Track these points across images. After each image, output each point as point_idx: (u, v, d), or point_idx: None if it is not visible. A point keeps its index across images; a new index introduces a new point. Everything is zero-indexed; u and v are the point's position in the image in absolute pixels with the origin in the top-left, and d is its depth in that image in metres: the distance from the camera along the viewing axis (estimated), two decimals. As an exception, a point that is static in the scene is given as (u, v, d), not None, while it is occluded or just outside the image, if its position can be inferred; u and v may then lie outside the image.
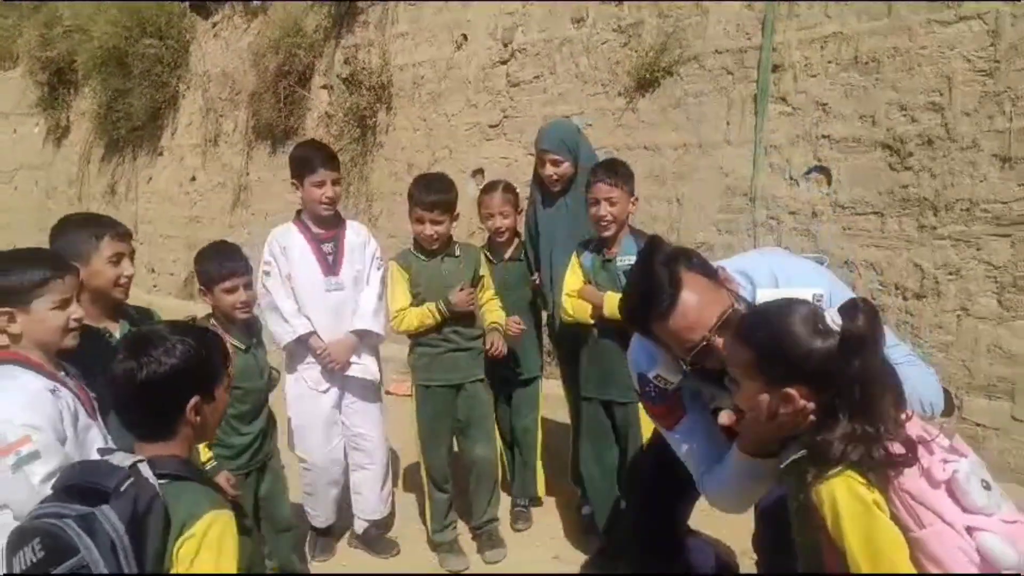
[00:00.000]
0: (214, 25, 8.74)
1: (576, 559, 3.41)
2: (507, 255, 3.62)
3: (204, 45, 8.86)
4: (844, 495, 1.50)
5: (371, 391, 3.50)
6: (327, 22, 7.15)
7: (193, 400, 1.63)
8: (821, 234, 4.07)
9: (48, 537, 1.41)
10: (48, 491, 1.81)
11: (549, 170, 3.35)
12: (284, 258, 3.31)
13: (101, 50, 9.14)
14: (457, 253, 3.42)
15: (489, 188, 3.63)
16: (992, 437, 3.60)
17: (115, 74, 9.20)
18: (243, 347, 2.92)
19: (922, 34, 3.74)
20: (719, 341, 1.82)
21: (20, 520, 1.90)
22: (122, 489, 1.46)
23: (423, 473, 3.49)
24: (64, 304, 2.10)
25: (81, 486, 1.48)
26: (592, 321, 3.08)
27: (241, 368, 2.88)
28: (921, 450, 1.53)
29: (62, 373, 2.14)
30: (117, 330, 2.49)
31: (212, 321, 2.91)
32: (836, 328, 1.55)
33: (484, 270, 3.51)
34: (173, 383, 1.61)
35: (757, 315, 1.72)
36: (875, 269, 3.91)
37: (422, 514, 3.70)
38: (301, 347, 3.33)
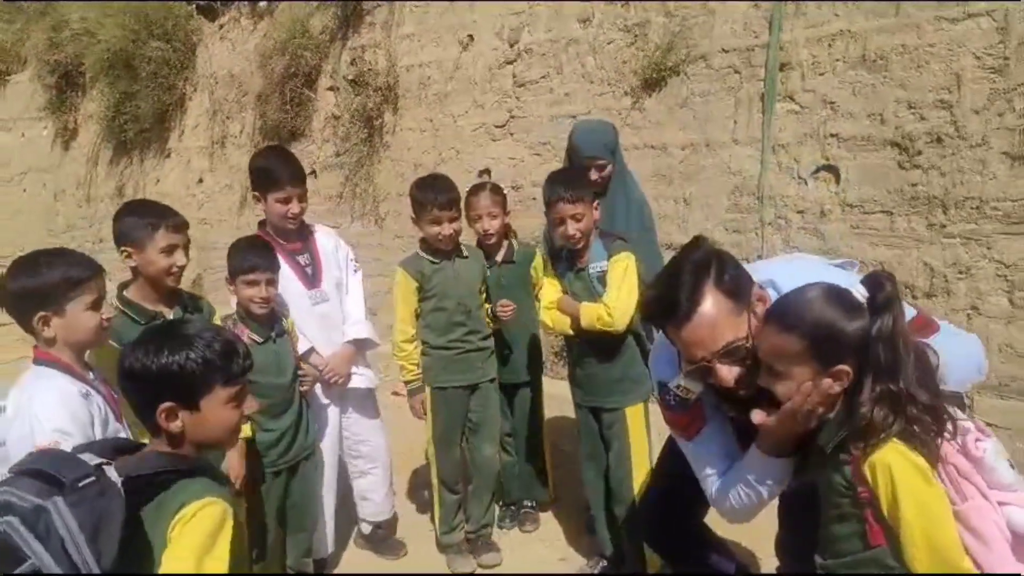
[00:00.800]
0: (220, 27, 8.76)
1: (582, 561, 3.40)
2: (499, 258, 3.54)
3: (211, 47, 8.88)
4: (899, 462, 1.53)
5: (369, 396, 3.48)
6: (333, 23, 7.15)
7: (164, 405, 1.59)
8: (829, 233, 4.05)
9: None
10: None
11: (595, 175, 3.31)
12: None
13: (108, 53, 9.17)
14: (466, 253, 3.41)
15: (476, 189, 3.52)
16: (1004, 437, 3.57)
17: (122, 77, 9.23)
18: (260, 340, 2.91)
19: (930, 31, 3.72)
20: (720, 367, 1.83)
21: None
22: (80, 485, 1.40)
23: (434, 475, 3.48)
24: (96, 305, 2.12)
25: (43, 472, 1.42)
26: (572, 332, 3.05)
27: (259, 362, 2.87)
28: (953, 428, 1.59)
29: (90, 375, 2.16)
30: (171, 315, 2.60)
31: (234, 316, 2.92)
32: (863, 300, 1.63)
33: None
34: (142, 385, 1.61)
35: (790, 303, 1.73)
36: (884, 268, 3.89)
37: (428, 514, 3.69)
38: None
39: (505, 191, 3.70)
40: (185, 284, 3.03)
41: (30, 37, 11.78)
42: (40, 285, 2.04)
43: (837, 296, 1.65)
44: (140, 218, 2.55)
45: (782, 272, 2.00)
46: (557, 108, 5.36)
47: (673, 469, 2.40)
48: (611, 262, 2.95)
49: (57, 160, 11.86)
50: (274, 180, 3.11)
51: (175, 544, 1.48)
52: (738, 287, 1.87)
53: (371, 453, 3.48)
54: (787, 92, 4.23)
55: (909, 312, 1.78)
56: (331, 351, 3.26)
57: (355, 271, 3.44)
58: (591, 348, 3.06)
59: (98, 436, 2.04)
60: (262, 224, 3.28)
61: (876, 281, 1.63)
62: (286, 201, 3.12)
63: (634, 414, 3.03)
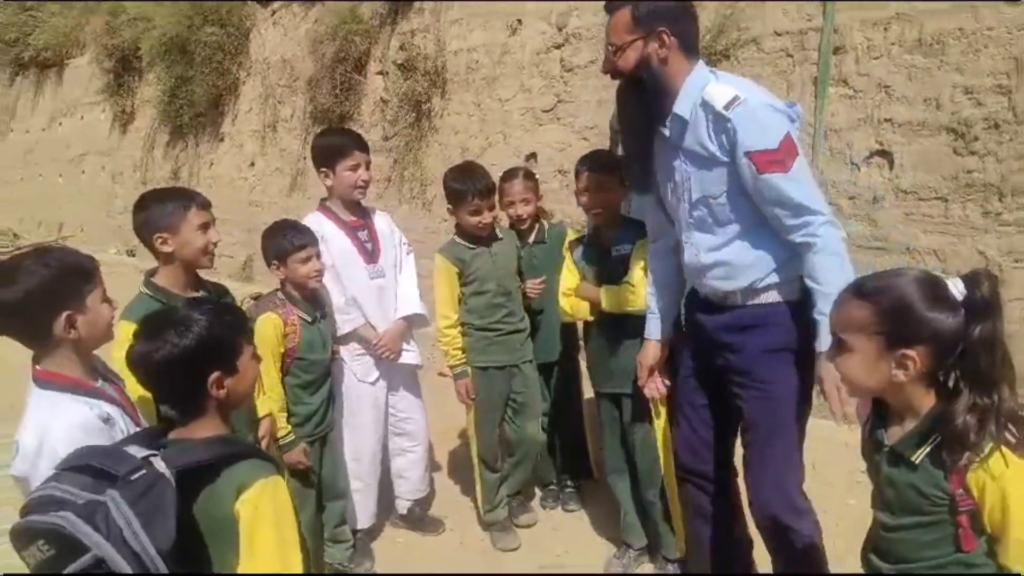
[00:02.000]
0: (273, 13, 8.89)
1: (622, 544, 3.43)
2: (531, 239, 3.61)
3: (263, 33, 9.03)
4: (1003, 469, 1.49)
5: (413, 374, 3.57)
6: (383, 9, 7.22)
7: (213, 376, 1.63)
8: (882, 220, 3.99)
9: (53, 536, 1.37)
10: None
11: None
12: (324, 246, 3.19)
13: (164, 38, 9.39)
14: (501, 235, 3.49)
15: (509, 175, 3.58)
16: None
17: (178, 62, 9.45)
18: (309, 319, 3.03)
19: (988, 15, 3.62)
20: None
21: None
22: (132, 478, 1.44)
23: (474, 454, 3.54)
24: (107, 297, 1.99)
25: (93, 468, 1.46)
26: (591, 318, 3.08)
27: (307, 340, 3.01)
28: None
29: (99, 382, 2.00)
30: None
31: (280, 295, 3.01)
32: (960, 297, 1.53)
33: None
34: (189, 363, 1.60)
35: (877, 277, 1.68)
36: (938, 256, 3.82)
37: (468, 493, 3.76)
38: (350, 337, 3.32)
39: (538, 176, 3.75)
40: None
41: (88, 22, 12.08)
42: (55, 280, 1.82)
43: (930, 283, 1.56)
44: (169, 201, 2.52)
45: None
46: (605, 93, 5.34)
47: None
48: (637, 245, 2.97)
49: (115, 143, 12.18)
50: (342, 149, 3.25)
51: (255, 532, 1.53)
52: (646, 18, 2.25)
53: (414, 431, 3.56)
54: (841, 76, 4.17)
55: None
56: (385, 324, 3.36)
57: (408, 252, 3.54)
58: (610, 334, 3.07)
59: None
60: (323, 202, 3.38)
61: (976, 279, 1.53)
62: (355, 168, 3.25)
63: (657, 400, 3.02)
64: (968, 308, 1.52)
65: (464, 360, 3.43)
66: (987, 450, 1.50)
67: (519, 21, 6.04)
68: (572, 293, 3.13)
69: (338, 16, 7.42)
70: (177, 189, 2.71)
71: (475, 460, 3.56)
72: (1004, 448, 1.50)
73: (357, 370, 3.35)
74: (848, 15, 4.12)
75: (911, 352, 1.54)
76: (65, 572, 1.36)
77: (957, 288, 1.53)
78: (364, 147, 3.32)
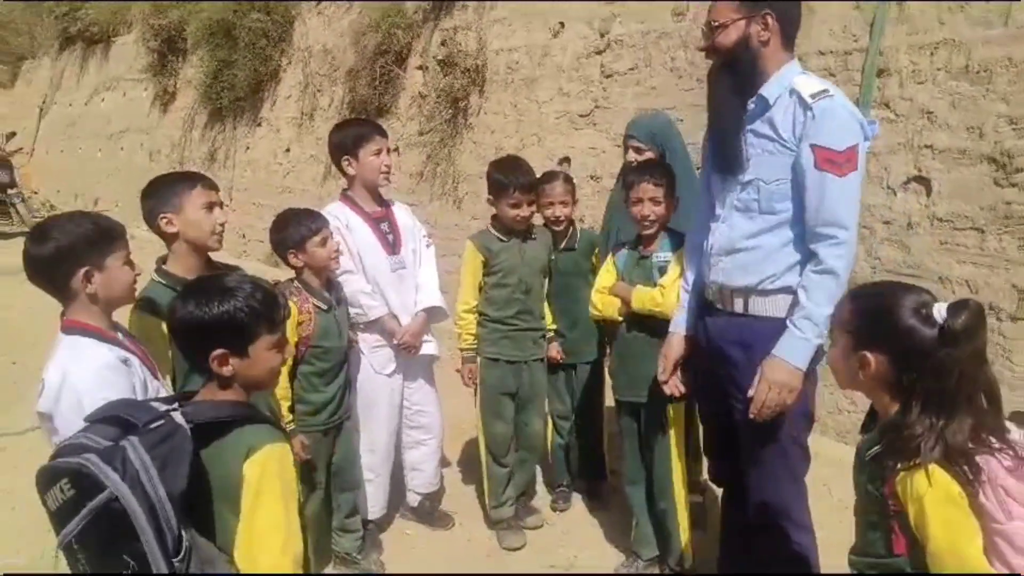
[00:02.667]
0: (318, 3, 8.96)
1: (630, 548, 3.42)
2: (562, 244, 3.63)
3: (308, 21, 9.10)
4: (930, 493, 1.52)
5: (430, 367, 3.59)
6: (427, 4, 7.25)
7: (217, 352, 1.67)
8: (916, 247, 3.93)
9: (76, 476, 1.45)
10: None
11: (631, 156, 3.35)
12: (349, 234, 3.27)
13: (210, 21, 9.52)
14: (535, 235, 3.52)
15: (549, 177, 3.63)
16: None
17: (222, 45, 9.56)
18: (325, 307, 3.05)
19: (1041, 45, 3.56)
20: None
21: None
22: (152, 426, 1.52)
23: (482, 446, 3.56)
24: (130, 261, 2.13)
25: (117, 417, 1.55)
26: (620, 318, 3.07)
27: (323, 327, 3.02)
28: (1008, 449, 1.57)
29: (120, 336, 2.14)
30: None
31: (296, 283, 3.03)
32: (940, 320, 1.59)
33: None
34: (198, 334, 1.68)
35: (874, 285, 1.85)
36: (970, 287, 3.76)
37: (476, 488, 3.77)
38: (369, 328, 3.33)
39: (576, 180, 3.77)
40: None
41: (137, 1, 12.25)
42: (79, 240, 1.99)
43: (914, 299, 1.63)
44: (173, 184, 2.51)
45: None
46: (643, 101, 5.33)
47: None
48: (677, 254, 2.96)
49: (155, 122, 12.34)
50: (364, 135, 3.29)
51: (259, 495, 1.58)
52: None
53: (429, 424, 3.58)
54: (883, 99, 4.12)
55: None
56: (405, 315, 3.38)
57: (428, 246, 3.55)
58: (634, 342, 3.07)
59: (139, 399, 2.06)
60: (344, 192, 3.41)
61: (959, 308, 1.58)
62: (379, 152, 3.29)
63: (675, 410, 3.02)
64: (943, 331, 1.57)
65: (475, 346, 3.48)
66: (920, 467, 1.53)
67: (561, 24, 6.03)
68: (606, 291, 3.13)
69: (382, 9, 7.46)
70: (183, 172, 2.69)
71: (483, 453, 3.57)
72: (933, 467, 1.53)
73: (375, 362, 3.35)
74: (895, 38, 4.07)
75: (868, 355, 1.65)
76: (92, 507, 1.43)
77: (939, 312, 1.59)
78: (384, 133, 3.38)
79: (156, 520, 1.45)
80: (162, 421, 1.54)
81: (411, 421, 3.55)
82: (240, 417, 1.67)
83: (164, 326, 2.38)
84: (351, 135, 3.32)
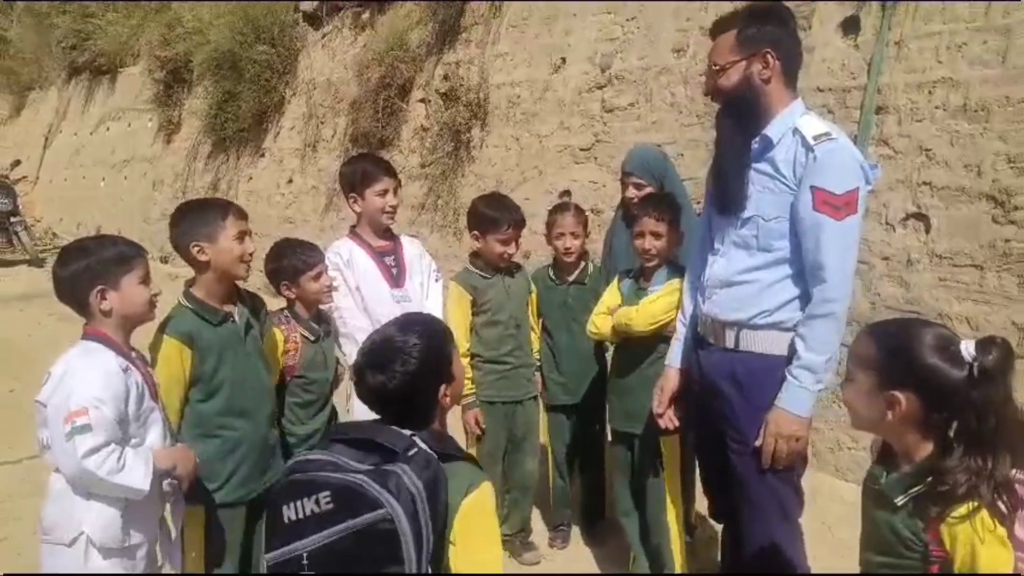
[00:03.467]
0: (324, 36, 9.07)
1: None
2: (571, 278, 3.60)
3: (312, 54, 9.20)
4: (982, 537, 1.50)
5: None
6: (430, 38, 7.33)
7: (442, 389, 1.76)
8: (915, 283, 3.94)
9: (343, 491, 1.48)
10: (90, 465, 2.01)
11: (631, 192, 3.37)
12: (349, 270, 3.25)
13: (216, 53, 9.61)
14: (515, 270, 3.54)
15: (561, 208, 3.63)
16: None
17: (227, 77, 9.65)
18: (312, 338, 3.04)
19: (1038, 84, 3.60)
20: None
21: (72, 483, 2.08)
22: (410, 453, 1.56)
23: None
24: (146, 280, 2.29)
25: (368, 442, 1.60)
26: (612, 338, 3.09)
27: (308, 358, 3.02)
28: None
29: (133, 354, 2.30)
30: (236, 313, 2.66)
31: (285, 312, 3.03)
32: (968, 359, 1.55)
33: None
34: (420, 385, 1.72)
35: (894, 320, 1.78)
36: (970, 324, 3.76)
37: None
38: None
39: (586, 214, 3.76)
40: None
41: (144, 32, 12.39)
42: (95, 261, 2.20)
43: (940, 336, 1.60)
44: (207, 211, 2.58)
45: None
46: (644, 135, 5.37)
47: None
48: (667, 284, 2.98)
49: (158, 152, 12.41)
50: (372, 175, 3.27)
51: (483, 526, 1.64)
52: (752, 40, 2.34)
53: None
54: (882, 136, 4.15)
55: None
56: None
57: (436, 280, 3.52)
58: (628, 374, 3.08)
59: (132, 410, 2.18)
60: (352, 229, 3.40)
61: (988, 345, 1.56)
62: (384, 193, 3.26)
63: (669, 443, 2.99)
64: (973, 370, 1.54)
65: (474, 390, 3.42)
66: (971, 508, 1.51)
67: (563, 59, 6.10)
68: (607, 312, 3.13)
69: (386, 42, 7.55)
70: (214, 199, 2.76)
71: None
72: (984, 514, 1.50)
73: None
74: (893, 76, 4.11)
75: (899, 394, 1.60)
76: (355, 524, 1.47)
77: (968, 349, 1.56)
78: (392, 173, 3.35)
79: (420, 547, 1.48)
80: (416, 449, 1.59)
81: None
82: (456, 454, 1.72)
83: (186, 352, 2.50)
84: (359, 172, 3.31)
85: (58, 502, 2.16)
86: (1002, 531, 1.50)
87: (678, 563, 3.04)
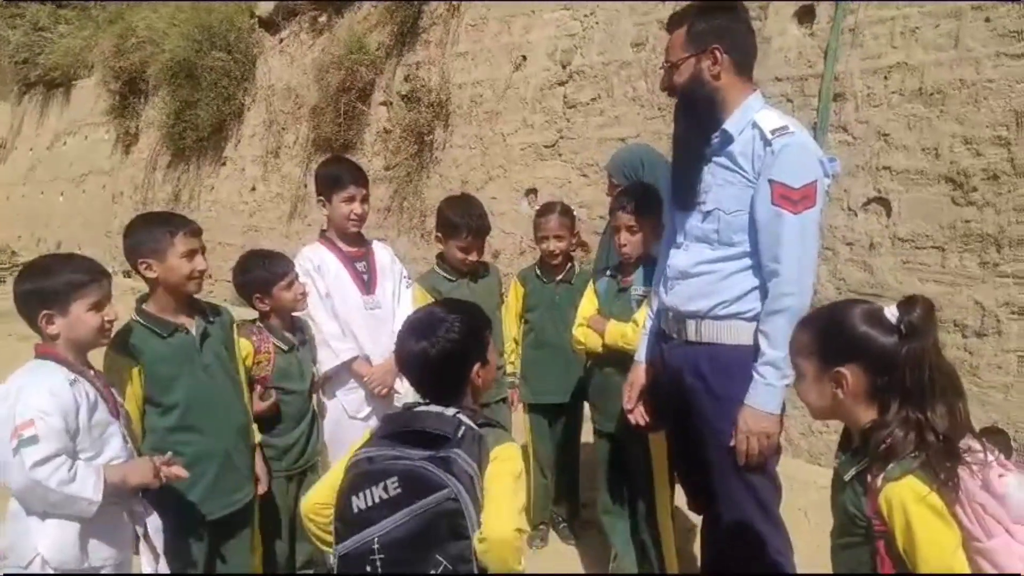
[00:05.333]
0: (281, 41, 8.97)
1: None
2: (559, 277, 3.61)
3: (270, 60, 9.10)
4: (914, 503, 1.51)
5: None
6: (389, 40, 7.28)
7: (475, 366, 1.87)
8: (878, 267, 3.98)
9: (408, 477, 1.61)
10: (38, 476, 1.98)
11: (612, 193, 3.35)
12: (319, 276, 3.21)
13: (172, 62, 9.47)
14: (484, 273, 3.51)
15: (546, 210, 3.62)
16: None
17: (184, 86, 9.51)
18: (286, 348, 2.99)
19: (989, 67, 3.65)
20: None
21: (22, 500, 2.05)
22: (459, 435, 1.69)
23: None
24: (98, 306, 2.24)
25: (417, 432, 1.70)
26: (601, 351, 3.05)
27: (283, 368, 2.97)
28: (978, 462, 1.57)
29: (92, 372, 2.26)
30: (193, 326, 2.60)
31: (258, 324, 2.99)
32: (894, 321, 1.61)
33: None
34: (461, 357, 1.85)
35: (822, 306, 1.84)
36: (934, 305, 3.81)
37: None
38: (342, 371, 3.24)
39: (574, 214, 3.75)
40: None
41: (98, 44, 12.19)
42: (44, 286, 2.18)
43: (864, 306, 1.68)
44: (156, 228, 2.54)
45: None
46: (607, 131, 5.38)
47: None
48: (652, 289, 2.95)
49: (117, 164, 12.22)
50: (339, 181, 3.22)
51: (499, 477, 1.72)
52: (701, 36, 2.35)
53: None
54: (840, 123, 4.19)
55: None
56: (379, 356, 3.28)
57: (407, 287, 3.47)
58: (611, 373, 3.05)
59: (83, 422, 2.14)
60: (323, 233, 3.36)
61: (910, 305, 1.62)
62: (350, 200, 3.21)
63: (656, 442, 2.98)
64: (902, 330, 1.60)
65: None
66: (902, 478, 1.52)
67: (524, 57, 6.09)
68: (587, 323, 3.11)
69: (345, 46, 7.48)
70: (167, 214, 2.70)
71: None
72: (915, 475, 1.52)
73: (348, 405, 3.26)
74: (849, 63, 4.15)
75: (843, 369, 1.64)
76: (424, 504, 1.61)
77: (891, 312, 1.62)
78: (361, 180, 3.28)
79: (477, 517, 1.62)
80: (463, 429, 1.71)
81: None
82: (490, 423, 1.87)
83: (134, 368, 2.45)
84: (328, 177, 3.28)
85: (13, 524, 2.11)
86: (935, 500, 1.50)
87: (669, 561, 3.04)
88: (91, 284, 2.23)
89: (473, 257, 3.37)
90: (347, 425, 3.21)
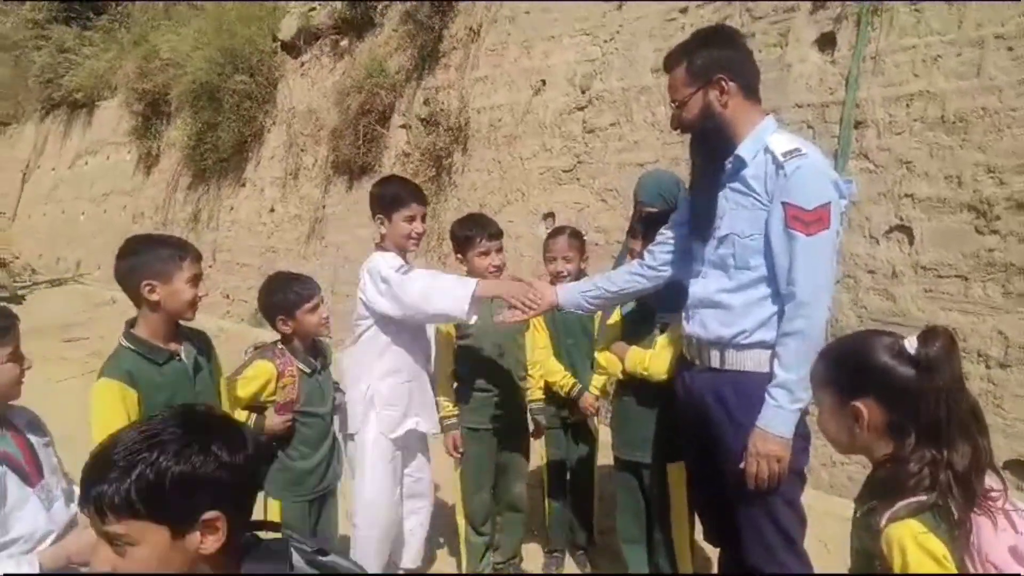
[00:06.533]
0: (302, 64, 9.07)
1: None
2: None
3: (291, 83, 9.19)
4: (912, 548, 1.45)
5: (424, 437, 3.41)
6: (410, 64, 7.35)
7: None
8: (900, 295, 3.94)
9: None
10: None
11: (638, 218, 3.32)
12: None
13: (195, 84, 9.59)
14: None
15: (556, 232, 3.64)
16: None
17: (206, 107, 9.62)
18: (308, 371, 2.98)
19: (1012, 96, 3.63)
20: None
21: None
22: None
23: (461, 516, 3.45)
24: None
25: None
26: (621, 376, 3.02)
27: (307, 392, 2.96)
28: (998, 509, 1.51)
29: (1, 431, 2.13)
30: (183, 352, 2.52)
31: (279, 346, 2.98)
32: (913, 353, 1.56)
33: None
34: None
35: (842, 337, 1.78)
36: (958, 335, 3.76)
37: (454, 557, 3.67)
38: (382, 389, 3.12)
39: (583, 237, 3.74)
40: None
41: (122, 66, 12.36)
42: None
43: (883, 338, 1.62)
44: (163, 249, 2.45)
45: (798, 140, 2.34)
46: (625, 156, 5.38)
47: None
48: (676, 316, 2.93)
49: (138, 184, 12.34)
50: (401, 199, 3.15)
51: None
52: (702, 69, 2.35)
53: (424, 491, 3.42)
54: (861, 150, 4.17)
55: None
56: (423, 372, 3.26)
57: None
58: (632, 400, 3.03)
59: None
60: (377, 245, 3.23)
61: (930, 336, 1.56)
62: (411, 220, 3.15)
63: (675, 471, 2.94)
64: (921, 363, 1.54)
65: (456, 413, 3.37)
66: (905, 520, 1.47)
67: (543, 82, 6.11)
68: (607, 347, 3.10)
69: (365, 70, 7.55)
70: (171, 237, 2.61)
71: (461, 523, 3.45)
72: (917, 519, 1.46)
73: (383, 423, 3.15)
74: (870, 90, 4.14)
75: (859, 404, 1.59)
76: None
77: (911, 345, 1.56)
78: (421, 199, 3.23)
79: None
80: None
81: (408, 490, 3.36)
82: None
83: (134, 396, 2.33)
84: (389, 195, 3.19)
85: None
86: (934, 543, 1.43)
87: None
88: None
89: (496, 262, 3.31)
90: (378, 442, 3.15)
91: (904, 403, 1.56)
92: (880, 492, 1.56)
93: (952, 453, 1.51)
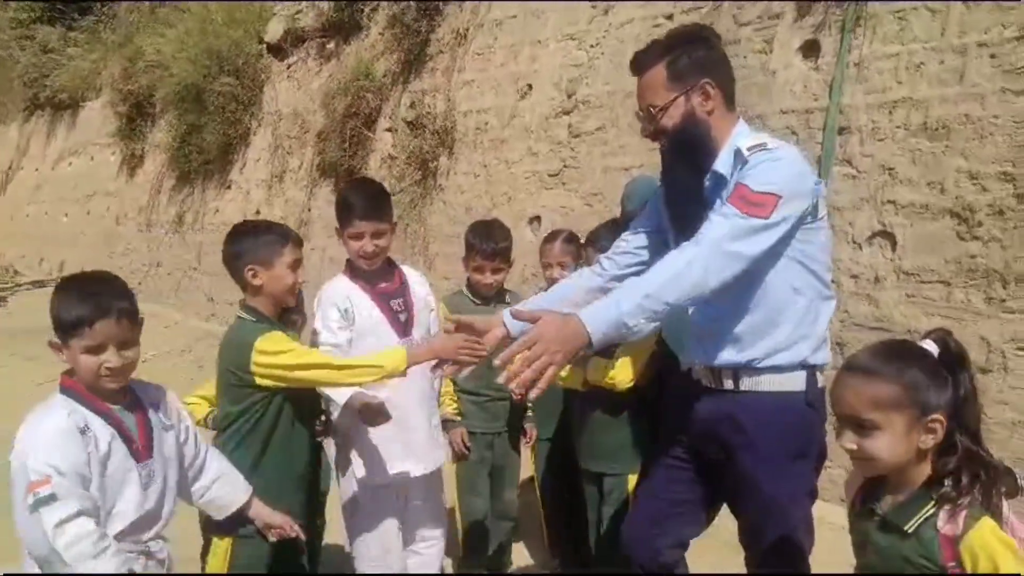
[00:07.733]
0: (288, 67, 9.04)
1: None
2: None
3: (277, 85, 9.17)
4: (999, 548, 1.49)
5: (436, 476, 3.03)
6: (396, 67, 7.34)
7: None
8: (883, 300, 3.96)
9: None
10: (61, 535, 1.84)
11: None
12: (347, 323, 2.74)
13: (180, 86, 9.54)
14: (508, 300, 3.42)
15: (551, 237, 3.56)
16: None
17: (191, 109, 9.58)
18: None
19: (995, 103, 3.66)
20: None
21: (35, 560, 1.91)
22: None
23: (458, 524, 3.43)
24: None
25: None
26: (582, 388, 2.96)
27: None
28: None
29: (117, 407, 2.06)
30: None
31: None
32: (935, 355, 1.61)
33: None
34: None
35: (876, 353, 1.66)
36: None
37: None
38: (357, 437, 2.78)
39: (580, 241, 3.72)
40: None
41: (107, 66, 12.29)
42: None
43: (919, 349, 1.64)
44: (266, 234, 2.56)
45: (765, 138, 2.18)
46: (611, 160, 5.39)
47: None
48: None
49: (122, 185, 12.26)
50: (345, 215, 2.77)
51: None
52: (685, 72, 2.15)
53: (430, 522, 3.02)
54: (845, 156, 4.19)
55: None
56: (416, 402, 2.87)
57: (435, 320, 3.04)
58: (590, 411, 2.99)
59: (95, 474, 1.96)
60: (349, 264, 2.88)
61: (944, 338, 1.62)
62: (358, 237, 2.74)
63: (636, 481, 2.85)
64: (948, 362, 1.60)
65: (459, 410, 3.37)
66: (979, 522, 1.51)
67: (529, 86, 6.12)
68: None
69: (352, 72, 7.54)
70: (274, 223, 2.74)
71: (460, 532, 3.43)
72: (990, 523, 1.51)
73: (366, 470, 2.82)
74: (854, 97, 4.17)
75: (939, 416, 1.58)
76: None
77: (932, 348, 1.62)
78: (375, 215, 2.76)
79: None
80: None
81: (412, 522, 2.96)
82: None
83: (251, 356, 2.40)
84: (339, 208, 2.83)
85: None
86: (1013, 541, 1.50)
87: None
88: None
89: (488, 280, 3.30)
90: (366, 495, 2.85)
91: (954, 407, 1.59)
92: (938, 500, 1.58)
93: (983, 446, 1.58)
